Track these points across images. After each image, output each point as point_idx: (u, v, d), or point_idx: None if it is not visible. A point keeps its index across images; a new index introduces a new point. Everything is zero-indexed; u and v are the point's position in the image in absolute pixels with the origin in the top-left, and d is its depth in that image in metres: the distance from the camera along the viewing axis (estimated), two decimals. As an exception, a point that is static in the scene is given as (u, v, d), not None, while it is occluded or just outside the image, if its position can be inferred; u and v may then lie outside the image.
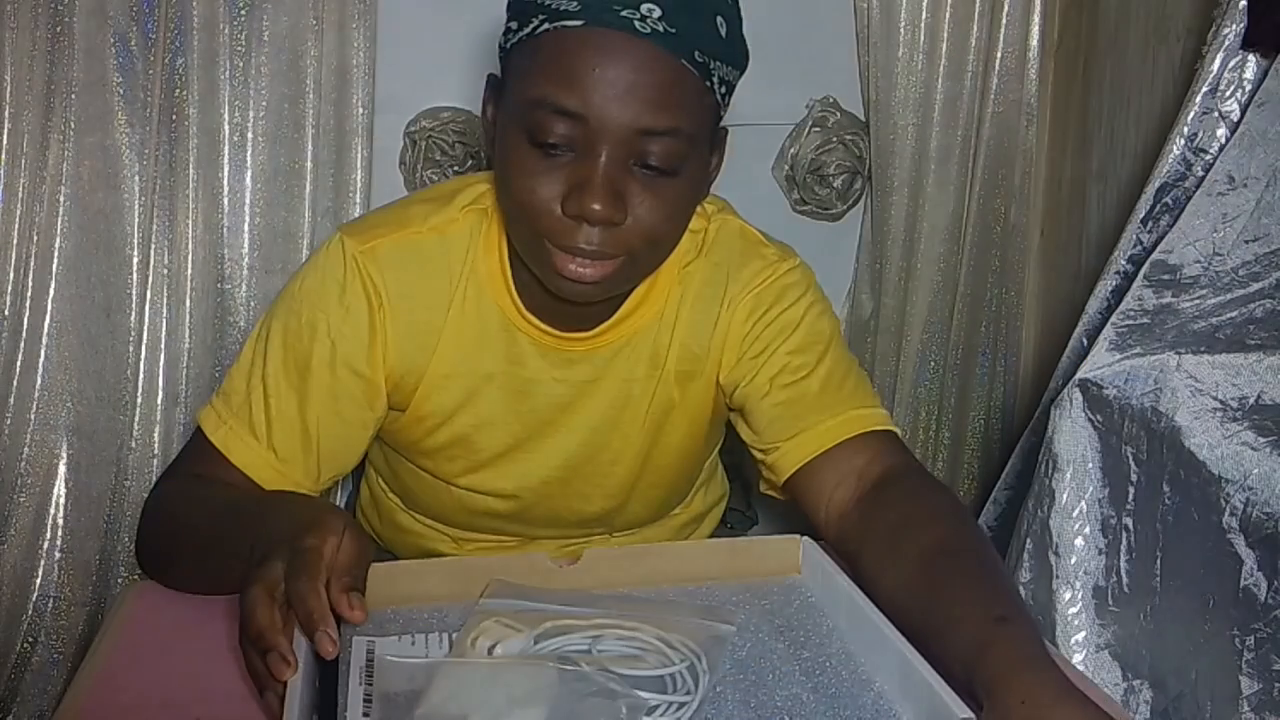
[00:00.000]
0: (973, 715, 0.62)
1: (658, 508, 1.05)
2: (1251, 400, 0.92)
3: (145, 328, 1.34)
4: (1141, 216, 1.18)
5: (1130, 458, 0.98)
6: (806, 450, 0.90)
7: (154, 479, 1.37)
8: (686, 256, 0.94)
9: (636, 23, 0.74)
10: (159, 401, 1.35)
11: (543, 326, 0.91)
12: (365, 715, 0.66)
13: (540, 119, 0.77)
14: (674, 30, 0.75)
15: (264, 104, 1.33)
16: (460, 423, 0.94)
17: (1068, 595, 1.03)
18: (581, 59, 0.75)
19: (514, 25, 0.80)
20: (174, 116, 1.31)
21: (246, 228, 1.35)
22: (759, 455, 0.95)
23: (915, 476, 0.88)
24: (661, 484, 1.01)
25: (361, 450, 0.95)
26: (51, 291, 1.31)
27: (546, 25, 0.76)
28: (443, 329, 0.91)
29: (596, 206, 0.77)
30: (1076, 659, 1.01)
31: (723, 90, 0.81)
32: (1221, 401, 0.92)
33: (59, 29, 1.25)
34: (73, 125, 1.28)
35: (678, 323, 0.94)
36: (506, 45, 0.82)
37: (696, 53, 0.77)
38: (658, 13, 0.74)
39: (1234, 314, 0.99)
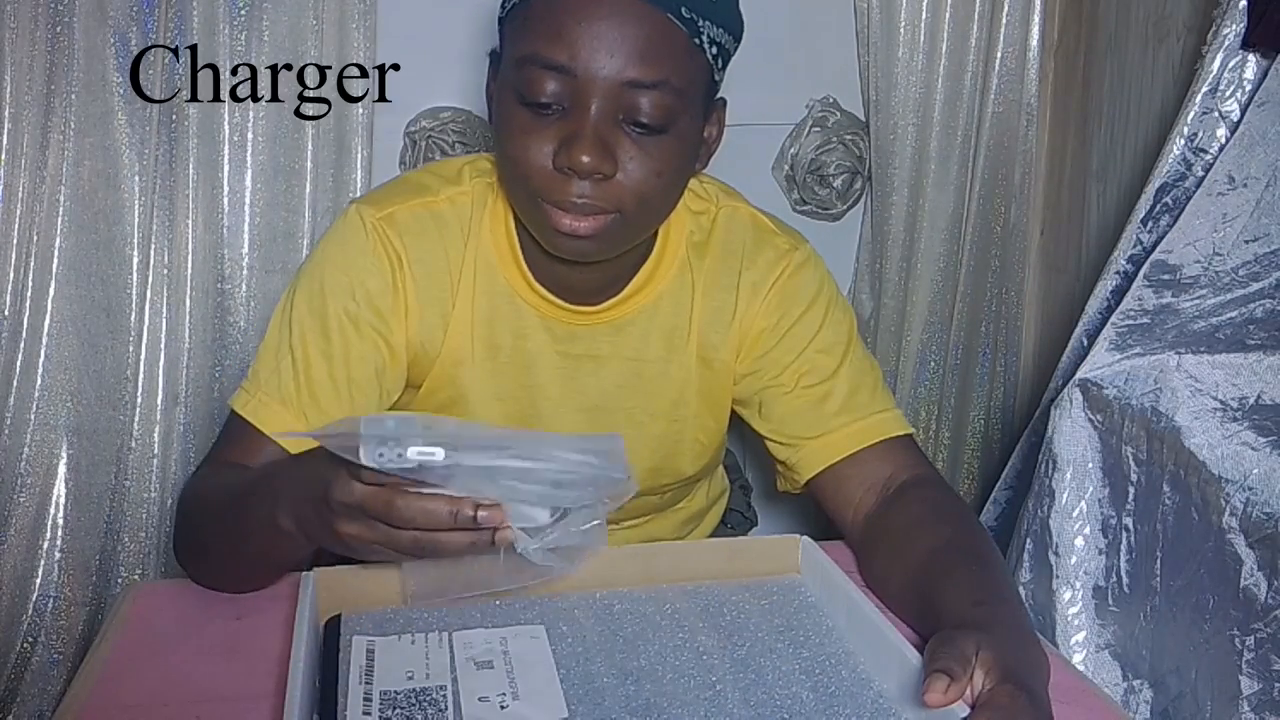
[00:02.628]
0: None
1: (671, 495, 1.06)
2: (1251, 400, 0.91)
3: (145, 328, 1.34)
4: (1141, 216, 1.18)
5: (1130, 458, 0.98)
6: (833, 452, 0.93)
7: (154, 479, 1.37)
8: (693, 236, 0.95)
9: None
10: (159, 401, 1.35)
11: (549, 298, 0.92)
12: (365, 715, 0.66)
13: (530, 76, 0.78)
14: None
15: (264, 104, 1.33)
16: (472, 398, 0.94)
17: (1068, 595, 1.03)
18: (568, 14, 0.77)
19: None
20: (174, 116, 1.31)
21: (246, 228, 1.35)
22: (778, 449, 0.97)
23: (931, 485, 0.91)
24: (674, 471, 1.01)
25: None
26: (51, 291, 1.31)
27: None
28: (456, 298, 0.92)
29: (585, 158, 0.78)
30: (1076, 659, 1.01)
31: (714, 51, 0.82)
32: (1221, 401, 0.92)
33: (59, 29, 1.25)
34: (73, 125, 1.28)
35: (694, 310, 0.95)
36: (501, 18, 0.83)
37: (683, 8, 0.78)
38: None
39: (1234, 314, 0.99)
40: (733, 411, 1.02)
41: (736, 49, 0.85)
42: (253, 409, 0.88)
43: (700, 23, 0.79)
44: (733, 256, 0.96)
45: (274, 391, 0.88)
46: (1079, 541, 1.03)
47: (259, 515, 0.75)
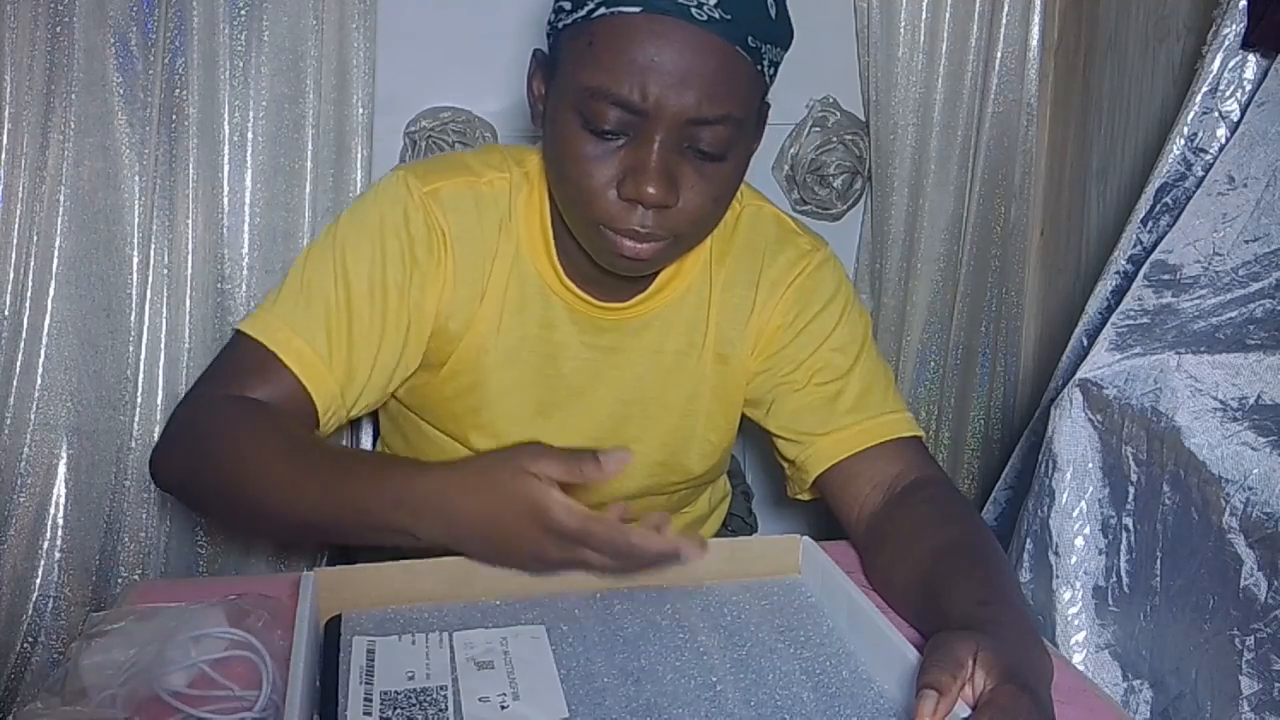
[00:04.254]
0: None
1: (679, 498, 1.06)
2: (1251, 400, 0.91)
3: (145, 328, 1.34)
4: (1141, 216, 1.18)
5: (1130, 458, 0.98)
6: (842, 449, 0.93)
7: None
8: (718, 233, 0.95)
9: (693, 9, 0.75)
10: (159, 401, 1.35)
11: (580, 294, 0.93)
12: (365, 715, 0.66)
13: (596, 107, 0.78)
14: (729, 17, 0.76)
15: (264, 104, 1.33)
16: (491, 384, 0.95)
17: (1068, 595, 1.03)
18: (639, 48, 0.76)
19: (567, 5, 0.81)
20: (174, 116, 1.31)
21: (246, 228, 1.35)
22: (787, 447, 0.97)
23: (938, 485, 0.92)
24: (685, 471, 1.02)
25: (384, 391, 0.93)
26: (51, 291, 1.31)
27: (602, 10, 0.77)
28: (489, 281, 0.92)
29: (651, 190, 0.78)
30: (1076, 659, 1.01)
31: (771, 71, 0.83)
32: (1221, 401, 0.92)
33: (59, 29, 1.25)
34: (73, 125, 1.28)
35: (713, 305, 0.96)
36: (558, 25, 0.82)
37: (749, 38, 0.78)
38: None
39: (1234, 314, 0.99)
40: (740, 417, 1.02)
41: (785, 55, 0.85)
42: (263, 326, 0.87)
43: (763, 48, 0.80)
44: (755, 254, 0.97)
45: (287, 318, 0.87)
46: (1079, 541, 1.03)
47: (353, 501, 0.76)
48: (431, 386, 0.96)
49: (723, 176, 0.83)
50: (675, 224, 0.82)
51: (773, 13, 0.80)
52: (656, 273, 0.94)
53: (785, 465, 0.99)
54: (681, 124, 0.78)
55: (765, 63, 0.81)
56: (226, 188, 1.33)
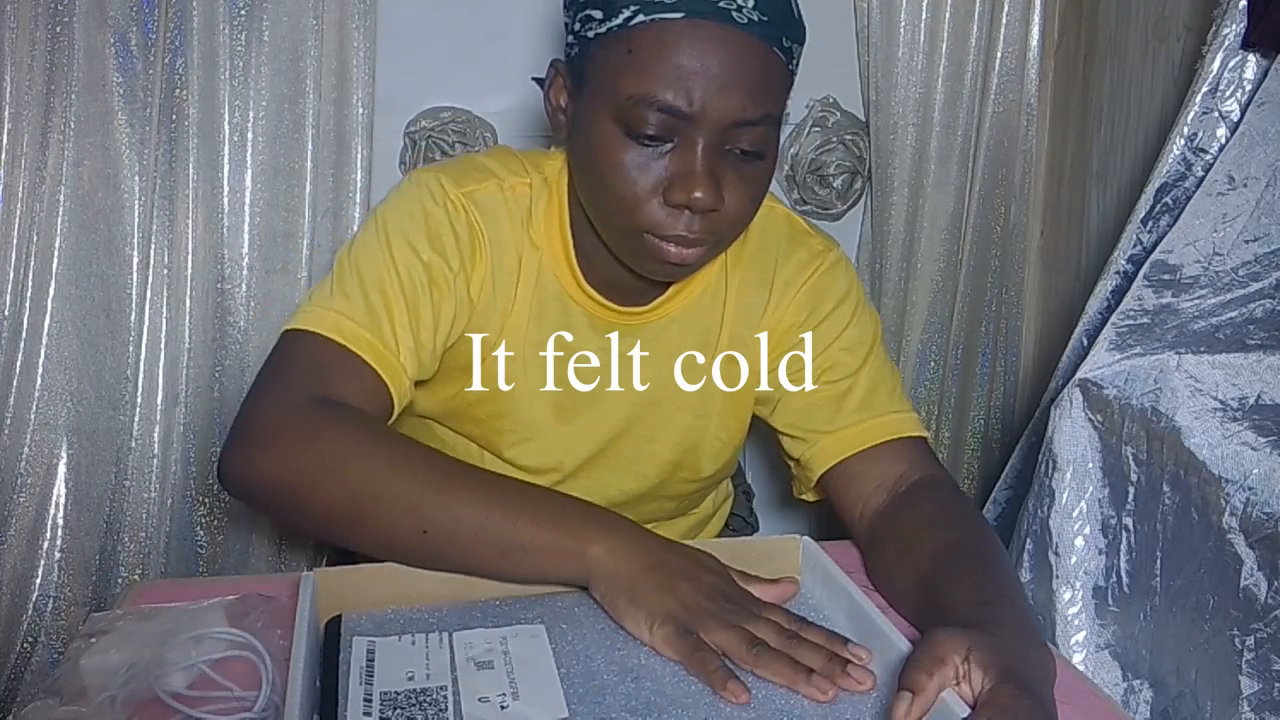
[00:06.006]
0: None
1: (687, 499, 1.06)
2: (1251, 400, 0.92)
3: (145, 328, 1.34)
4: (1141, 216, 1.18)
5: (1130, 458, 0.98)
6: (847, 447, 0.94)
7: (154, 479, 1.36)
8: None
9: (734, 13, 0.76)
10: (159, 401, 1.35)
11: (599, 299, 0.93)
12: (366, 715, 0.66)
13: (640, 114, 0.78)
14: (766, 19, 0.77)
15: (264, 104, 1.33)
16: (514, 390, 0.94)
17: (1068, 595, 1.03)
18: (683, 53, 0.76)
19: (597, 14, 0.80)
20: (174, 116, 1.31)
21: (246, 228, 1.35)
22: (792, 445, 0.98)
23: (942, 486, 0.91)
24: (696, 470, 1.02)
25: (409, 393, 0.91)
26: (51, 291, 1.31)
27: (641, 17, 0.77)
28: (517, 288, 0.92)
29: (699, 195, 0.79)
30: (1076, 659, 1.01)
31: (796, 69, 0.84)
32: (1221, 401, 0.92)
33: (59, 29, 1.25)
34: (73, 125, 1.28)
35: (727, 306, 0.96)
36: (587, 35, 0.81)
37: (784, 38, 0.79)
38: (751, 1, 0.76)
39: (1234, 314, 0.99)
40: None
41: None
42: (329, 322, 0.83)
43: (793, 48, 0.81)
44: (768, 255, 0.97)
45: (344, 313, 0.84)
46: (1079, 541, 1.03)
47: (533, 525, 0.77)
48: (462, 394, 0.95)
49: (760, 176, 0.83)
50: (719, 226, 0.82)
51: (796, 13, 0.82)
52: None
53: (790, 464, 1.00)
54: (725, 127, 0.78)
55: (795, 62, 0.82)
56: (226, 188, 1.34)
